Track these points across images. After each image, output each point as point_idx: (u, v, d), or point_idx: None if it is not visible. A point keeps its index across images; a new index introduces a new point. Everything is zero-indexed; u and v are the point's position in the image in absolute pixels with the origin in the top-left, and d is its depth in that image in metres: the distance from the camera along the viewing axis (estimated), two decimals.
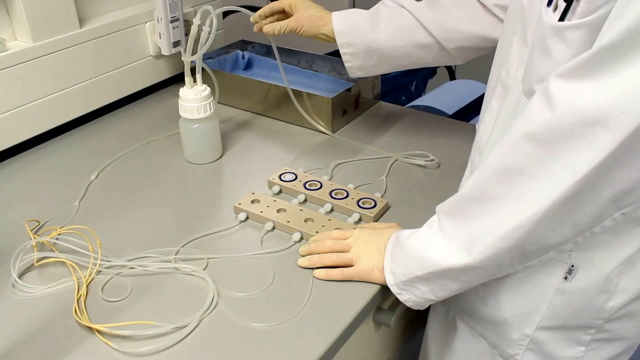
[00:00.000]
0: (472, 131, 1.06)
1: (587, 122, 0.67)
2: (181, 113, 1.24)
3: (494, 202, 0.78)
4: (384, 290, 0.95)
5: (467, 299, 0.97)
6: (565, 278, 0.85)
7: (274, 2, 1.26)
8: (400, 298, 0.93)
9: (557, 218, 0.73)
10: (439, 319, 1.11)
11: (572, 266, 0.84)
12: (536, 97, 0.73)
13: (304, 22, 1.22)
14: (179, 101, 1.23)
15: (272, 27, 1.24)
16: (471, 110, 1.73)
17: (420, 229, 0.91)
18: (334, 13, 1.22)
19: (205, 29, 1.16)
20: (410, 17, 1.17)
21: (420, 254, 0.87)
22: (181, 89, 1.23)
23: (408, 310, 0.97)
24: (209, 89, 1.24)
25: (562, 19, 0.73)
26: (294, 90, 1.37)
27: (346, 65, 1.24)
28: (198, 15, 1.16)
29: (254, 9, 1.28)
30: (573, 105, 0.68)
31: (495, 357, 0.97)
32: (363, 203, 1.12)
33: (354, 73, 1.25)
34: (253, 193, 1.14)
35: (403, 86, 2.11)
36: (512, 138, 0.75)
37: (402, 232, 0.95)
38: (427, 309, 1.10)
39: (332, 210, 1.13)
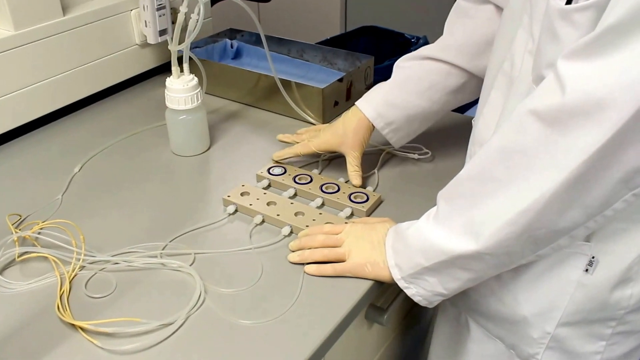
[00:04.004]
0: (468, 124, 1.06)
1: (594, 100, 0.67)
2: (168, 104, 1.24)
3: (499, 183, 0.78)
4: (377, 286, 0.96)
5: (481, 299, 0.97)
6: (586, 270, 0.85)
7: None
8: (408, 292, 0.92)
9: (565, 200, 0.73)
10: (449, 322, 1.10)
11: (593, 257, 0.84)
12: (545, 79, 0.74)
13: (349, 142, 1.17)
14: (166, 91, 1.23)
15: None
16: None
17: (420, 219, 0.91)
18: (358, 102, 1.17)
19: (193, 16, 1.16)
20: (436, 64, 1.13)
21: (426, 244, 0.87)
22: (168, 79, 1.23)
23: (402, 307, 0.97)
24: (196, 79, 1.24)
25: (569, 2, 0.74)
26: (283, 81, 1.37)
27: (391, 141, 1.19)
28: (185, 3, 1.15)
29: None
30: (580, 84, 0.68)
31: (512, 358, 0.97)
32: (355, 197, 1.12)
33: (399, 143, 1.20)
34: (243, 185, 1.14)
35: None
36: (518, 117, 0.75)
37: (401, 224, 0.95)
38: (435, 310, 1.10)
39: (322, 204, 1.13)
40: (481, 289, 0.95)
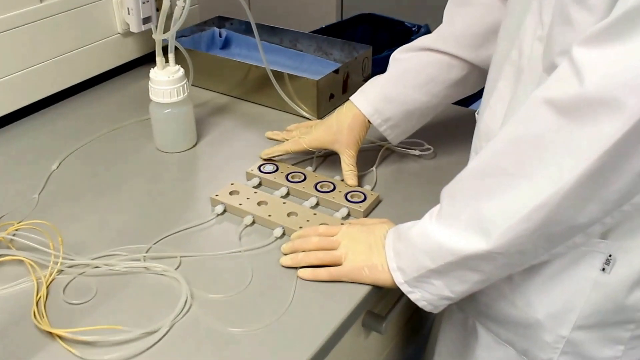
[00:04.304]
0: (472, 117, 1.06)
1: (613, 88, 0.67)
2: (152, 97, 1.24)
3: (510, 177, 0.77)
4: (376, 291, 0.95)
5: (491, 302, 0.97)
6: (603, 270, 0.85)
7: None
8: (412, 297, 0.92)
9: (583, 195, 0.73)
10: (455, 328, 1.10)
11: (610, 256, 0.84)
12: (560, 66, 0.73)
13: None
14: (150, 83, 1.23)
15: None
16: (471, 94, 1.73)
17: (422, 218, 0.90)
18: (353, 98, 1.17)
19: (179, 3, 1.15)
20: (435, 55, 1.13)
21: (431, 244, 0.87)
22: (152, 70, 1.22)
23: (402, 313, 0.97)
24: (182, 70, 1.23)
25: None
26: (276, 72, 1.37)
27: (388, 138, 1.19)
28: None
29: None
30: (598, 72, 0.68)
31: None
32: (352, 196, 1.12)
33: (397, 140, 1.21)
34: (232, 184, 1.14)
35: None
36: (530, 108, 0.75)
37: (402, 225, 0.95)
38: (437, 317, 1.10)
39: (317, 204, 1.13)
40: (490, 291, 0.95)
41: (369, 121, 1.15)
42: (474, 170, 0.83)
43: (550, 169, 0.74)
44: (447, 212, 0.86)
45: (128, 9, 1.47)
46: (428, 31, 2.12)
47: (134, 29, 1.50)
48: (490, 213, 0.80)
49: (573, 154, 0.72)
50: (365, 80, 1.47)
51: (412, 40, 1.18)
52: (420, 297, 0.91)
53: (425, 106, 1.16)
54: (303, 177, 1.17)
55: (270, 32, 1.62)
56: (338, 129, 1.16)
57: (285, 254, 1.00)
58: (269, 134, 1.29)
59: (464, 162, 0.92)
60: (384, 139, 1.23)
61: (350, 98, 1.17)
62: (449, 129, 1.35)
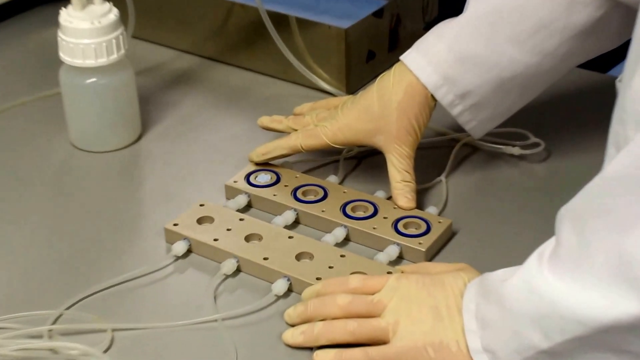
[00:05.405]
0: (612, 89, 1.06)
1: None
2: (63, 56, 1.24)
3: None
4: None
5: None
6: None
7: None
8: None
9: None
10: None
11: None
12: None
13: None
14: (60, 34, 1.23)
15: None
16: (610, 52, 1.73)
17: (527, 261, 0.90)
18: (406, 58, 1.16)
19: None
20: None
21: (543, 307, 0.85)
22: (63, 11, 1.23)
23: None
24: (116, 11, 1.24)
25: None
26: (275, 15, 1.38)
27: (467, 127, 1.21)
28: None
29: None
30: None
31: None
32: (405, 226, 1.12)
33: (482, 130, 1.21)
34: (201, 205, 1.15)
35: None
36: None
37: (491, 274, 0.94)
38: None
39: (346, 239, 1.13)
40: None
41: (433, 98, 1.15)
42: (615, 177, 0.83)
43: None
44: (569, 251, 0.85)
45: None
46: None
47: None
48: None
49: None
50: (428, 28, 1.47)
51: None
52: None
53: (532, 72, 1.15)
54: (322, 194, 1.18)
55: None
56: (382, 112, 1.15)
57: (293, 325, 1.00)
58: (265, 120, 1.29)
59: (598, 166, 0.92)
60: (460, 129, 1.24)
61: (401, 58, 1.17)
62: (572, 110, 1.35)
